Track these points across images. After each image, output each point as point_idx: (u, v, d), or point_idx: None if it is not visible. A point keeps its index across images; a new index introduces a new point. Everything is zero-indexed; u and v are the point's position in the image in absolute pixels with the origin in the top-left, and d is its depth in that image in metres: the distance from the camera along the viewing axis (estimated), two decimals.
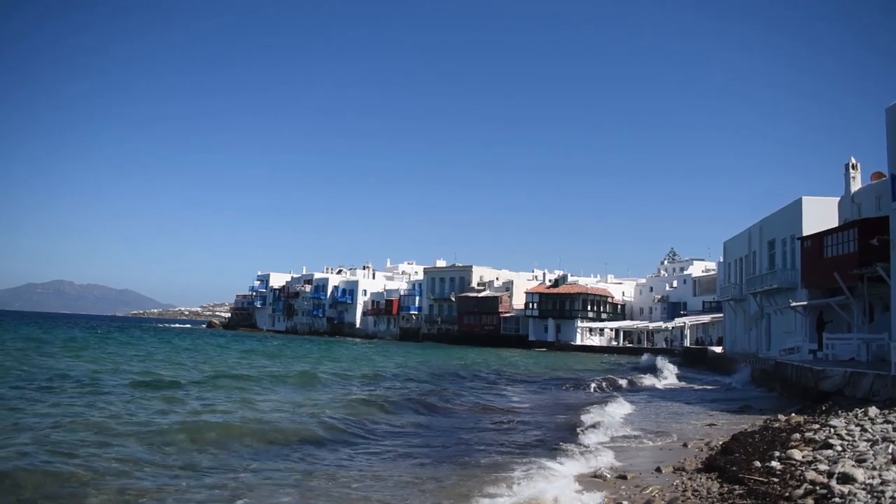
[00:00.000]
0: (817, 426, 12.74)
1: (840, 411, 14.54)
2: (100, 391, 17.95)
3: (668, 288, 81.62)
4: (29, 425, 12.17)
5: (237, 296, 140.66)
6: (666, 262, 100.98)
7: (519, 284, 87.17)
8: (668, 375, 36.42)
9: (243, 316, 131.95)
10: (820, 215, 31.91)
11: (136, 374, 23.38)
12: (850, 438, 10.87)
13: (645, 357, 52.45)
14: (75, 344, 41.62)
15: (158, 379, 21.99)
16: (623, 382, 30.96)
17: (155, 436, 11.89)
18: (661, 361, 41.92)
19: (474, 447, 12.90)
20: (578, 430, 14.99)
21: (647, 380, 33.49)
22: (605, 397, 23.24)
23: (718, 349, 51.74)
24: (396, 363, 38.62)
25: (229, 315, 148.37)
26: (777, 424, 13.90)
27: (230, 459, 10.84)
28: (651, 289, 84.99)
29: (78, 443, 10.85)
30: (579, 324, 77.16)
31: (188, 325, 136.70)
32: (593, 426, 15.42)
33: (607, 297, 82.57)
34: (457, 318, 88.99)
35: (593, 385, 28.34)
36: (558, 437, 14.17)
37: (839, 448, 10.14)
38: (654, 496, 8.63)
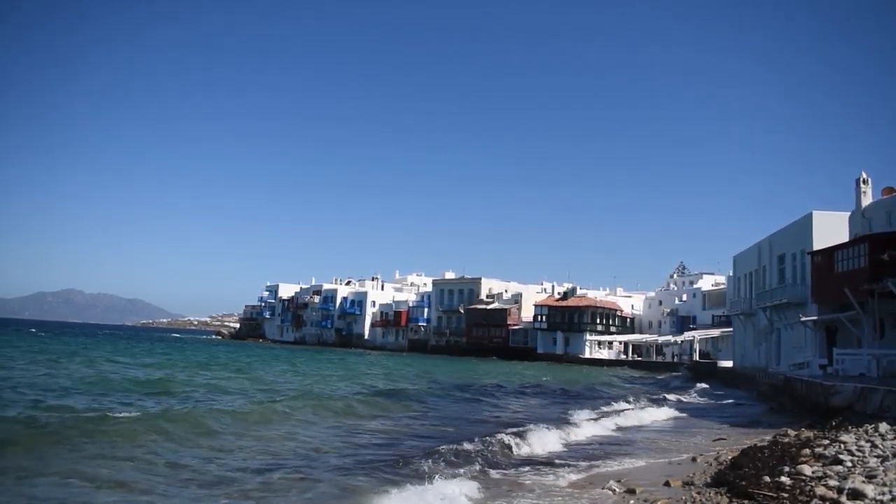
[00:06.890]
0: (827, 442, 12.70)
1: (850, 427, 14.47)
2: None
3: (677, 301, 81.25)
4: None
5: (246, 306, 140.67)
6: (675, 276, 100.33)
7: (527, 297, 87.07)
8: (678, 390, 36.24)
9: (252, 326, 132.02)
10: (830, 230, 31.86)
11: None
12: (860, 454, 10.85)
13: (653, 372, 52.20)
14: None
15: None
16: (632, 396, 30.81)
17: None
18: (669, 376, 41.74)
19: None
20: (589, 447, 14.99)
21: (656, 394, 33.32)
22: (616, 411, 23.20)
23: (728, 363, 51.48)
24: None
25: (238, 325, 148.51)
26: (787, 439, 13.85)
27: None
28: (660, 302, 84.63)
29: None
30: (588, 337, 76.94)
31: (204, 336, 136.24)
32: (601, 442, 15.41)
33: (616, 310, 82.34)
34: (465, 331, 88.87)
35: (605, 397, 28.24)
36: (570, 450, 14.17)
37: (849, 464, 10.12)
38: None
